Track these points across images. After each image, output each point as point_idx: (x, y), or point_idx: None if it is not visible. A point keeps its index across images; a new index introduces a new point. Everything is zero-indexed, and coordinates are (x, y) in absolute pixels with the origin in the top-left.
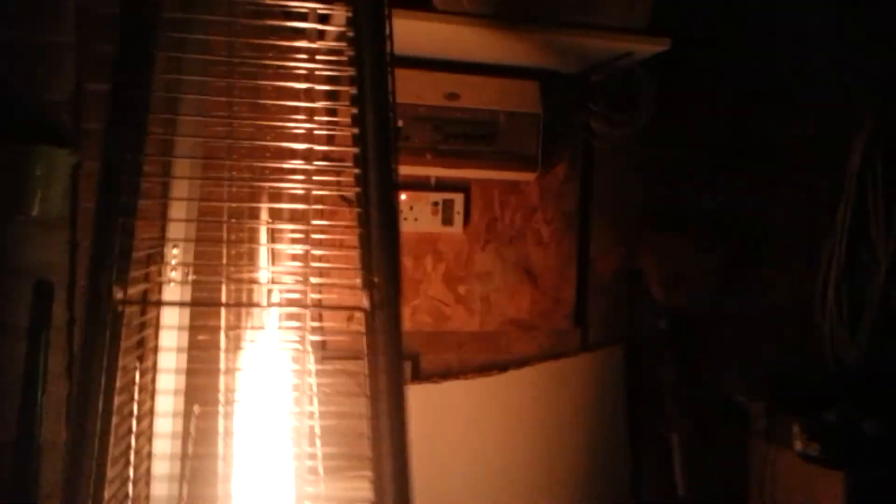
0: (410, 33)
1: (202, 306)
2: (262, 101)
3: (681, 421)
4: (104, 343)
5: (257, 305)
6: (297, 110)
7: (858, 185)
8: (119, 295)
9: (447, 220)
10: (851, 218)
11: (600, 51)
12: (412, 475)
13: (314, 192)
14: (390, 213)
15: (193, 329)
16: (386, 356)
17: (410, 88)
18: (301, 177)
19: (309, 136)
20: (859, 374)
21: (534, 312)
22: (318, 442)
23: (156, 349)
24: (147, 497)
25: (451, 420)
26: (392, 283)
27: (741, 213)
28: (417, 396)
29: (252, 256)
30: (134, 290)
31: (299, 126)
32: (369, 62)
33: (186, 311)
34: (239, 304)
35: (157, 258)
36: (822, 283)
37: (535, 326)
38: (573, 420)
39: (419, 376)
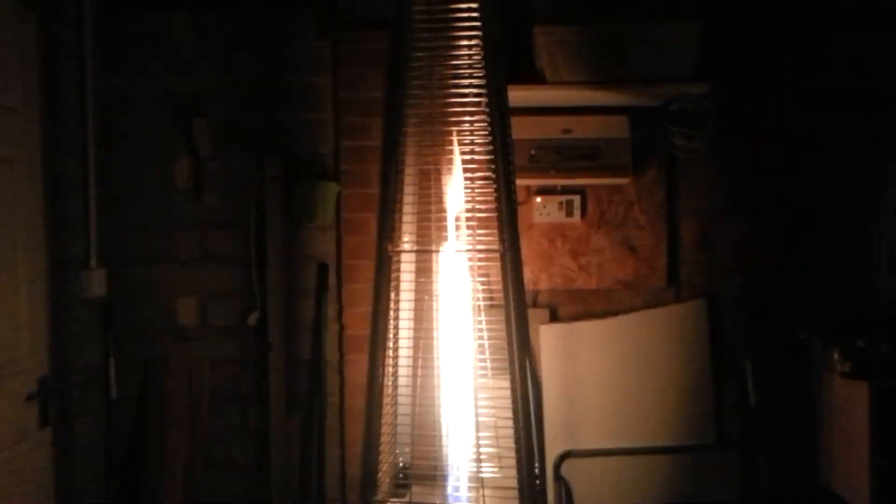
0: (535, 96)
1: (423, 252)
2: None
3: (753, 352)
4: (387, 276)
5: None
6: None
7: None
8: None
9: (569, 214)
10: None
11: (662, 93)
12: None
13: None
14: (510, 204)
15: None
16: (513, 280)
17: (538, 128)
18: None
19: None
20: None
21: (636, 276)
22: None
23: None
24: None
25: (579, 350)
26: (512, 241)
27: (790, 199)
28: (555, 333)
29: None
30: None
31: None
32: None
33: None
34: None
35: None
36: (877, 250)
37: (638, 286)
38: (670, 354)
39: (556, 319)
